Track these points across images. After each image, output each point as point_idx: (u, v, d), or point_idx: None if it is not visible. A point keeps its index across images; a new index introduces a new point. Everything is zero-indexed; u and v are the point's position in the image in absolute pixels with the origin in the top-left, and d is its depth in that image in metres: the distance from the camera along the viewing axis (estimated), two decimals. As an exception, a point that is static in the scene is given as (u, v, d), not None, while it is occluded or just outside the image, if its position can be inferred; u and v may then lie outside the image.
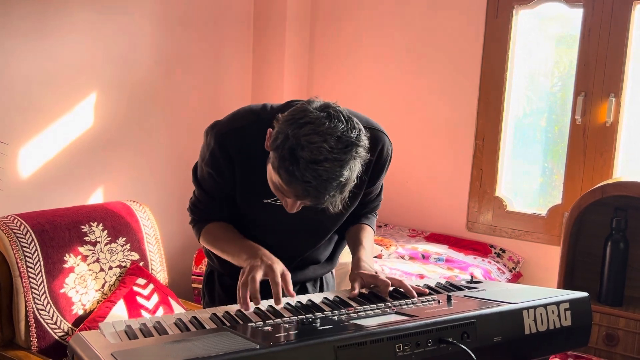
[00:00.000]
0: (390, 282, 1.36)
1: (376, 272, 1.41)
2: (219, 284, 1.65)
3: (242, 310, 1.25)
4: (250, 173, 1.40)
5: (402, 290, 1.38)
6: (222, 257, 1.51)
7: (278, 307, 1.26)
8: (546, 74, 3.17)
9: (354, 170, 1.21)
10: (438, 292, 1.41)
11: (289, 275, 1.30)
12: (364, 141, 1.22)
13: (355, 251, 1.53)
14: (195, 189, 1.53)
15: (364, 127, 1.25)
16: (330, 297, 1.37)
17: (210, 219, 1.52)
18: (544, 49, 3.16)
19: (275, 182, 1.25)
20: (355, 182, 1.24)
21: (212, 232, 1.51)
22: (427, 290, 1.38)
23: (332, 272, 1.74)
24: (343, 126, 1.19)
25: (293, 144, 1.17)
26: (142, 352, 1.00)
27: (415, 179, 3.41)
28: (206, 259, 1.72)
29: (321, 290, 1.68)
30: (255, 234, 1.50)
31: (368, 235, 1.58)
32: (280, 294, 1.25)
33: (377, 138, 1.47)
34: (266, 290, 1.52)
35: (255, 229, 1.51)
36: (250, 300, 1.25)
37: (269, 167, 1.27)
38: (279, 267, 1.30)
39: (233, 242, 1.46)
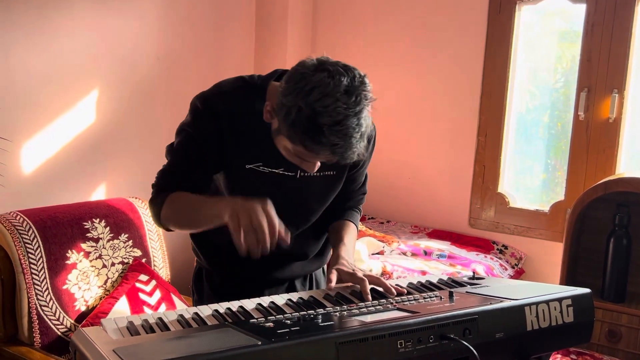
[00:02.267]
0: (367, 280, 1.33)
1: (354, 270, 1.39)
2: (207, 282, 1.62)
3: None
4: (236, 137, 1.40)
5: (380, 289, 1.35)
6: (191, 225, 1.41)
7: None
8: (549, 69, 3.16)
9: (367, 116, 1.24)
10: (440, 289, 1.41)
11: (277, 217, 1.22)
12: (368, 83, 1.24)
13: (335, 247, 1.51)
14: (169, 159, 1.48)
15: None
16: (305, 296, 1.33)
17: (176, 187, 1.40)
18: (547, 45, 3.15)
19: (295, 151, 1.26)
20: (371, 126, 1.27)
21: (178, 197, 1.38)
22: (406, 290, 1.35)
23: (322, 269, 1.72)
24: (345, 78, 1.20)
25: (310, 114, 1.18)
26: (144, 348, 1.00)
27: (417, 175, 3.40)
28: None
29: (310, 288, 1.66)
30: None
31: (350, 232, 1.57)
32: (280, 232, 1.19)
33: None
34: (265, 285, 1.52)
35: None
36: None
37: (281, 139, 1.27)
38: (268, 201, 1.21)
39: (203, 199, 1.35)
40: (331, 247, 1.56)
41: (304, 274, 1.64)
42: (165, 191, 1.42)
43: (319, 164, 1.32)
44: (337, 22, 3.55)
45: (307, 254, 1.60)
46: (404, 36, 3.36)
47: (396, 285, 1.37)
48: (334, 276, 1.37)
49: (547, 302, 1.24)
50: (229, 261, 1.35)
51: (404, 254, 2.94)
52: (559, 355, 2.29)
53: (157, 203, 1.42)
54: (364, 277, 1.34)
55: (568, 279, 2.59)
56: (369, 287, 1.33)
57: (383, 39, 3.42)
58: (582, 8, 2.86)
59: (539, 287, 1.40)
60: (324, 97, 1.18)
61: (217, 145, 1.40)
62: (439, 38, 3.26)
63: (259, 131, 1.36)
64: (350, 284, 1.39)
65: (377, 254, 2.92)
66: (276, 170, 1.41)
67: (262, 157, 1.41)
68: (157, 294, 2.42)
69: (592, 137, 2.87)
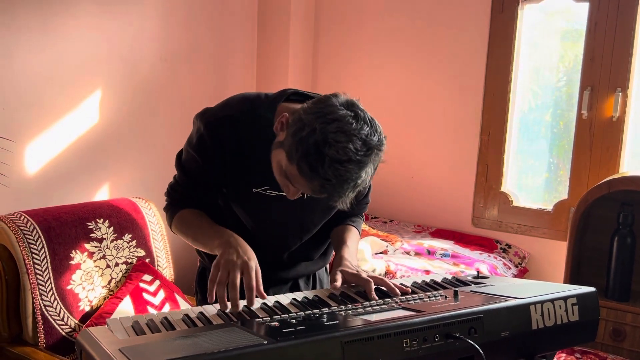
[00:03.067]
0: (372, 281, 1.34)
1: (358, 272, 1.39)
2: None
3: (213, 309, 1.22)
4: (242, 161, 1.39)
5: (384, 289, 1.35)
6: (194, 244, 1.48)
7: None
8: (551, 68, 3.16)
9: (369, 173, 1.23)
10: (444, 288, 1.41)
11: (260, 274, 1.28)
12: (384, 145, 1.24)
13: (338, 250, 1.51)
14: (177, 172, 1.51)
15: None
16: (310, 296, 1.34)
17: (186, 204, 1.49)
18: (550, 44, 3.15)
19: (286, 170, 1.25)
20: (368, 184, 1.26)
21: (185, 217, 1.48)
22: (410, 290, 1.36)
23: (325, 268, 1.73)
24: (368, 128, 1.20)
25: (320, 140, 1.17)
26: (150, 347, 1.00)
27: (420, 174, 3.40)
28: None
29: (314, 287, 1.67)
30: (240, 225, 1.48)
31: (353, 235, 1.57)
32: (254, 299, 1.23)
33: None
34: (269, 284, 1.52)
35: (241, 220, 1.49)
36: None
37: (280, 153, 1.26)
38: (254, 264, 1.28)
39: (206, 227, 1.43)
40: (333, 250, 1.56)
41: (307, 274, 1.65)
42: (175, 205, 1.51)
43: (300, 193, 1.30)
44: (339, 23, 3.55)
45: (311, 256, 1.62)
46: (406, 36, 3.36)
47: (400, 284, 1.37)
48: (339, 277, 1.37)
49: (552, 300, 1.24)
50: None
51: (408, 253, 2.94)
52: (564, 354, 2.29)
53: (168, 216, 1.53)
54: (368, 279, 1.34)
55: (572, 278, 2.58)
56: (374, 287, 1.32)
57: (385, 38, 3.42)
58: (585, 7, 2.86)
59: (544, 285, 1.39)
60: (341, 132, 1.17)
61: (221, 170, 1.41)
62: (442, 38, 3.26)
63: (265, 155, 1.34)
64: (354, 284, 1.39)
65: (381, 253, 2.92)
66: (284, 193, 1.39)
67: (268, 181, 1.40)
68: (161, 294, 2.42)
69: (596, 135, 2.86)
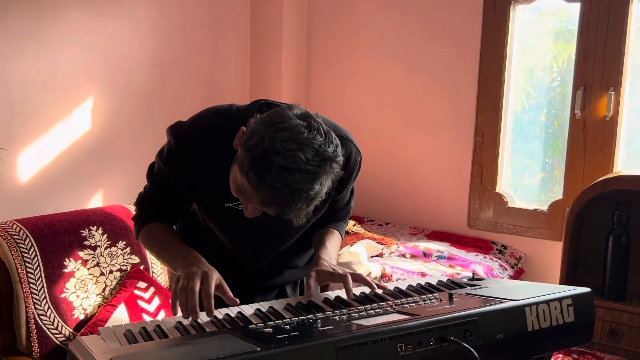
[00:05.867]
0: (349, 276, 1.31)
1: (334, 269, 1.36)
2: None
3: (165, 328, 1.19)
4: (213, 175, 1.36)
5: (364, 285, 1.35)
6: (157, 260, 1.48)
7: (205, 320, 1.21)
8: (545, 69, 3.16)
9: (324, 185, 1.17)
10: (440, 290, 1.40)
11: (225, 284, 1.26)
12: (340, 157, 1.18)
13: (316, 251, 1.48)
14: (147, 183, 1.49)
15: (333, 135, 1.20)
16: (304, 301, 1.32)
17: (154, 217, 1.48)
18: (542, 44, 3.15)
19: (239, 184, 1.20)
20: (323, 197, 1.20)
21: (152, 231, 1.46)
22: (387, 286, 1.35)
23: None
24: (321, 139, 1.15)
25: (268, 148, 1.12)
26: (142, 356, 0.99)
27: (415, 176, 3.40)
28: None
29: (302, 293, 1.64)
30: (214, 239, 1.47)
31: (333, 237, 1.54)
32: (212, 307, 1.19)
33: (344, 146, 1.35)
34: (255, 292, 1.49)
35: (215, 234, 1.47)
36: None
37: (235, 168, 1.21)
38: (215, 275, 1.25)
39: (170, 246, 1.41)
40: (314, 253, 1.53)
41: (294, 280, 1.63)
42: (144, 217, 1.50)
43: (259, 210, 1.23)
44: (332, 27, 3.55)
45: (296, 264, 1.59)
46: (398, 38, 3.36)
47: (383, 284, 1.37)
48: (312, 281, 1.34)
49: (547, 302, 1.24)
50: (219, 269, 1.33)
51: (403, 255, 2.94)
52: (561, 355, 2.28)
53: (136, 227, 1.52)
54: (345, 274, 1.32)
55: (568, 278, 2.58)
56: (351, 283, 1.31)
57: (378, 41, 3.42)
58: (577, 7, 2.87)
59: (539, 287, 1.39)
60: (291, 141, 1.12)
61: (191, 184, 1.39)
62: (434, 39, 3.26)
63: None
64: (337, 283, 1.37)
65: (376, 256, 2.91)
66: None
67: None
68: (156, 301, 2.41)
69: (589, 135, 2.87)
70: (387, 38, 3.39)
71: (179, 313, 1.20)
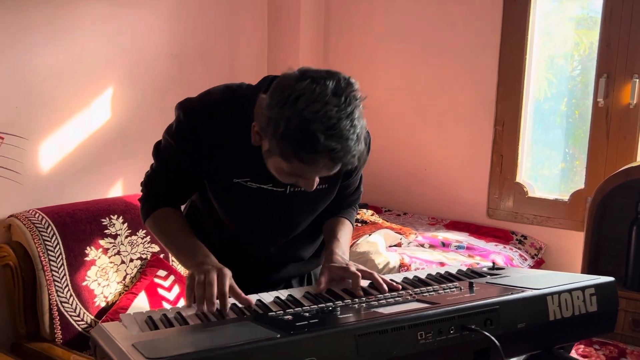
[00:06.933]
0: (360, 275, 1.29)
1: (347, 265, 1.34)
2: None
3: (185, 316, 1.18)
4: (222, 151, 1.34)
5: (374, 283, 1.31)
6: (166, 248, 1.45)
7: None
8: (566, 56, 3.11)
9: (360, 115, 1.18)
10: (459, 279, 1.39)
11: (235, 285, 1.24)
12: (354, 83, 1.19)
13: (329, 244, 1.46)
14: (154, 162, 1.46)
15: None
16: (298, 295, 1.30)
17: (163, 197, 1.44)
18: (564, 31, 3.10)
19: (290, 171, 1.20)
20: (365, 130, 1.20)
21: (161, 219, 1.43)
22: (400, 287, 1.30)
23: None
24: (331, 82, 1.15)
25: (299, 123, 1.11)
26: (164, 342, 1.00)
27: (434, 166, 3.37)
28: None
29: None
30: (223, 218, 1.44)
31: (345, 228, 1.52)
32: (228, 306, 1.18)
33: None
34: (262, 286, 1.48)
35: (222, 212, 1.44)
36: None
37: (274, 160, 1.21)
38: (228, 274, 1.24)
39: (182, 239, 1.39)
40: (325, 245, 1.51)
41: (300, 274, 1.60)
42: (152, 200, 1.46)
43: (317, 180, 1.25)
44: (350, 15, 3.52)
45: (302, 256, 1.57)
46: (417, 25, 3.33)
47: (390, 280, 1.32)
48: (323, 277, 1.32)
49: (569, 291, 1.22)
50: (225, 263, 1.32)
51: (422, 245, 2.92)
52: (582, 346, 2.26)
53: (144, 209, 1.47)
54: (356, 272, 1.30)
55: (590, 268, 2.55)
56: (360, 282, 1.28)
57: (396, 27, 3.39)
58: (600, -7, 2.81)
59: (561, 276, 1.37)
60: (311, 103, 1.12)
61: (199, 160, 1.36)
62: (454, 26, 3.22)
63: (246, 145, 1.29)
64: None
65: (395, 246, 2.90)
66: (264, 186, 1.36)
67: (249, 173, 1.36)
68: (176, 289, 2.43)
69: (613, 123, 2.82)
70: (406, 25, 3.36)
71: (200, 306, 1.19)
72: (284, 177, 1.25)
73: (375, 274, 1.31)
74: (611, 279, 1.28)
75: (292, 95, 1.14)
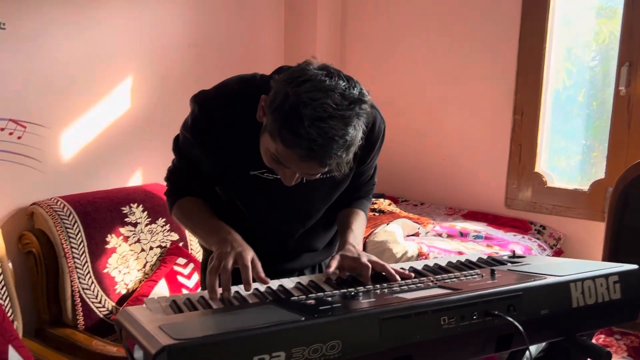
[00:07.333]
0: (370, 266, 1.28)
1: (359, 255, 1.32)
2: None
3: (208, 299, 1.18)
4: (238, 143, 1.34)
5: (385, 274, 1.29)
6: (192, 235, 1.46)
7: (246, 293, 1.20)
8: (585, 46, 3.07)
9: (359, 129, 1.16)
10: (480, 267, 1.39)
11: (258, 263, 1.24)
12: (367, 98, 1.17)
13: (342, 234, 1.45)
14: (175, 156, 1.48)
15: None
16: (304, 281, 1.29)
17: (185, 190, 1.47)
18: (584, 21, 3.06)
19: (274, 151, 1.18)
20: (361, 142, 1.18)
21: (185, 207, 1.45)
22: (413, 275, 1.29)
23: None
24: (344, 83, 1.14)
25: (294, 102, 1.11)
26: (190, 324, 1.01)
27: (452, 155, 3.36)
28: None
29: None
30: (240, 211, 1.45)
31: (359, 219, 1.51)
32: (250, 279, 1.18)
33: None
34: (274, 276, 1.44)
35: (240, 205, 1.44)
36: (220, 291, 1.18)
37: (265, 137, 1.20)
38: (250, 253, 1.24)
39: (204, 221, 1.40)
40: (339, 234, 1.50)
41: (313, 265, 1.61)
42: (176, 192, 1.49)
43: (297, 175, 1.23)
44: (367, 4, 3.51)
45: (316, 246, 1.57)
46: (436, 14, 3.30)
47: (401, 269, 1.31)
48: (334, 262, 1.31)
49: (592, 278, 1.21)
50: None
51: (440, 235, 2.91)
52: (603, 335, 2.25)
53: (169, 202, 1.51)
54: (367, 264, 1.28)
55: (610, 259, 2.52)
56: (370, 273, 1.27)
57: (415, 17, 3.37)
58: (622, -20, 2.77)
59: (584, 263, 1.36)
60: (315, 90, 1.11)
61: (215, 153, 1.37)
62: (473, 15, 3.19)
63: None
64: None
65: (413, 235, 2.90)
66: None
67: (265, 164, 1.33)
68: (195, 277, 2.45)
69: (635, 112, 2.78)
70: (424, 14, 3.34)
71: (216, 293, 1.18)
72: (267, 159, 1.24)
73: (387, 266, 1.29)
74: (635, 266, 1.27)
75: (301, 77, 1.14)
